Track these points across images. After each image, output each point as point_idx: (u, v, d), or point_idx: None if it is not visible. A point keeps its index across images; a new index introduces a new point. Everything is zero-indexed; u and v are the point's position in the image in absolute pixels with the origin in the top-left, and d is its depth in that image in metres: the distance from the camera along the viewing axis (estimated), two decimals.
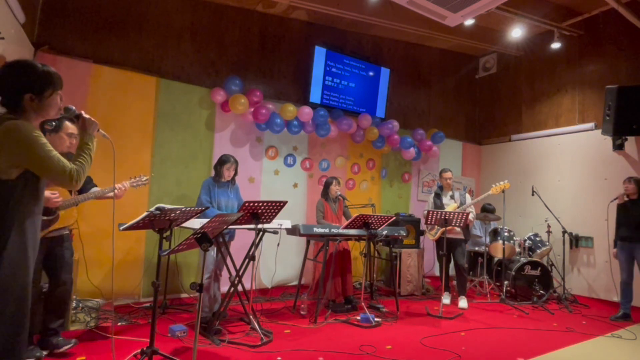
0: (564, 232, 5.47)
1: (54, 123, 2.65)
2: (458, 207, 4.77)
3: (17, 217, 1.60)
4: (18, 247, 1.60)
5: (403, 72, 6.90)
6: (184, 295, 4.57)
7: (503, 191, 4.92)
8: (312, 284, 4.65)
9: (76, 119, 1.85)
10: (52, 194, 2.53)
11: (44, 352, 2.70)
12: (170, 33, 4.90)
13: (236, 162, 3.81)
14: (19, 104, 1.64)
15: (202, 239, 2.31)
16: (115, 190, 2.91)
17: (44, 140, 1.62)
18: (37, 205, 1.71)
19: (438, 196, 4.99)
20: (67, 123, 2.73)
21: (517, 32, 5.83)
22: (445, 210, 4.73)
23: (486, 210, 5.86)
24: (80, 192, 2.90)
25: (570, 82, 6.29)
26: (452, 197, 4.94)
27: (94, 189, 2.94)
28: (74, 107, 1.86)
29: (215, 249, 3.53)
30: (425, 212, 4.39)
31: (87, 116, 1.84)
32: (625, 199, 4.59)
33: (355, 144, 6.06)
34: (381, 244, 4.90)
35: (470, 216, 4.60)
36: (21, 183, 1.61)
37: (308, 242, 4.47)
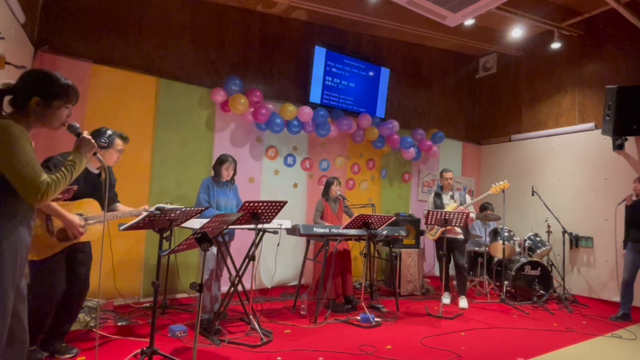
0: (564, 232, 5.47)
1: (105, 140, 2.76)
2: (458, 207, 4.77)
3: None
4: None
5: (403, 72, 6.90)
6: (184, 295, 4.57)
7: (503, 191, 4.92)
8: (312, 284, 4.65)
9: (76, 136, 1.83)
10: (79, 220, 2.56)
11: (45, 354, 2.69)
12: (170, 33, 4.90)
13: (235, 161, 3.80)
14: (25, 105, 1.66)
15: (202, 239, 2.31)
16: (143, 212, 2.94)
17: (27, 144, 1.59)
18: (24, 209, 1.64)
19: (438, 196, 5.00)
20: (118, 140, 2.84)
21: (517, 32, 5.83)
22: (445, 210, 4.73)
23: (484, 209, 5.86)
24: (109, 209, 2.91)
25: (570, 82, 6.29)
26: (452, 197, 4.95)
27: (125, 210, 2.95)
28: (77, 125, 1.85)
29: (215, 248, 3.54)
30: (425, 212, 4.39)
31: (87, 137, 1.81)
32: (634, 199, 4.53)
33: (355, 144, 6.06)
34: (381, 244, 4.90)
35: (472, 215, 4.60)
36: (2, 185, 1.56)
37: (308, 242, 4.47)
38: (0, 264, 1.55)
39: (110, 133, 2.80)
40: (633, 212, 4.53)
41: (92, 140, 1.81)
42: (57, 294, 2.63)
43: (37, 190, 1.56)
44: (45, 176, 1.60)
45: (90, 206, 2.70)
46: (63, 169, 1.68)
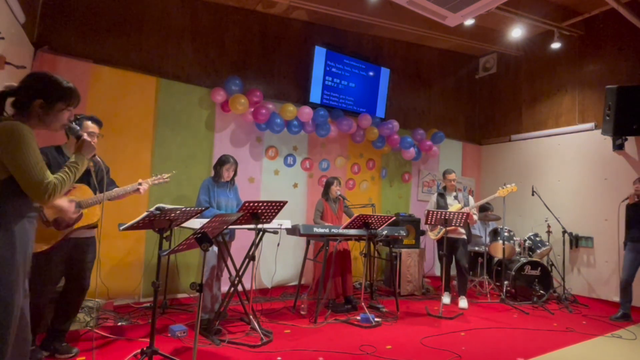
0: (564, 232, 5.48)
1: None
2: (462, 209, 4.75)
3: (4, 217, 1.60)
4: (3, 246, 1.58)
5: (403, 72, 6.90)
6: (183, 295, 4.57)
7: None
8: (312, 284, 4.65)
9: (76, 139, 1.86)
10: (69, 203, 2.50)
11: (45, 353, 2.69)
12: (170, 33, 4.90)
13: (236, 162, 3.82)
14: (27, 107, 1.67)
15: (202, 239, 2.31)
16: (141, 188, 2.95)
17: (35, 145, 1.62)
18: (29, 207, 1.69)
19: (442, 196, 4.99)
20: (87, 122, 2.72)
21: (517, 32, 5.82)
22: (449, 210, 4.73)
23: (484, 209, 5.85)
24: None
25: (570, 82, 6.29)
26: (455, 197, 4.94)
27: (118, 189, 2.92)
28: (78, 127, 1.89)
29: (216, 248, 3.54)
30: (426, 211, 4.39)
31: (87, 139, 1.85)
32: (636, 199, 4.51)
33: (355, 144, 6.06)
34: (381, 244, 4.90)
35: (475, 217, 4.59)
36: (11, 184, 1.60)
37: (308, 242, 4.47)
38: (13, 259, 1.60)
39: (78, 117, 2.66)
40: (634, 211, 4.53)
41: (92, 142, 1.85)
42: (50, 291, 2.63)
43: (44, 191, 1.61)
44: (51, 177, 1.64)
45: (80, 191, 2.67)
46: (67, 169, 1.73)
